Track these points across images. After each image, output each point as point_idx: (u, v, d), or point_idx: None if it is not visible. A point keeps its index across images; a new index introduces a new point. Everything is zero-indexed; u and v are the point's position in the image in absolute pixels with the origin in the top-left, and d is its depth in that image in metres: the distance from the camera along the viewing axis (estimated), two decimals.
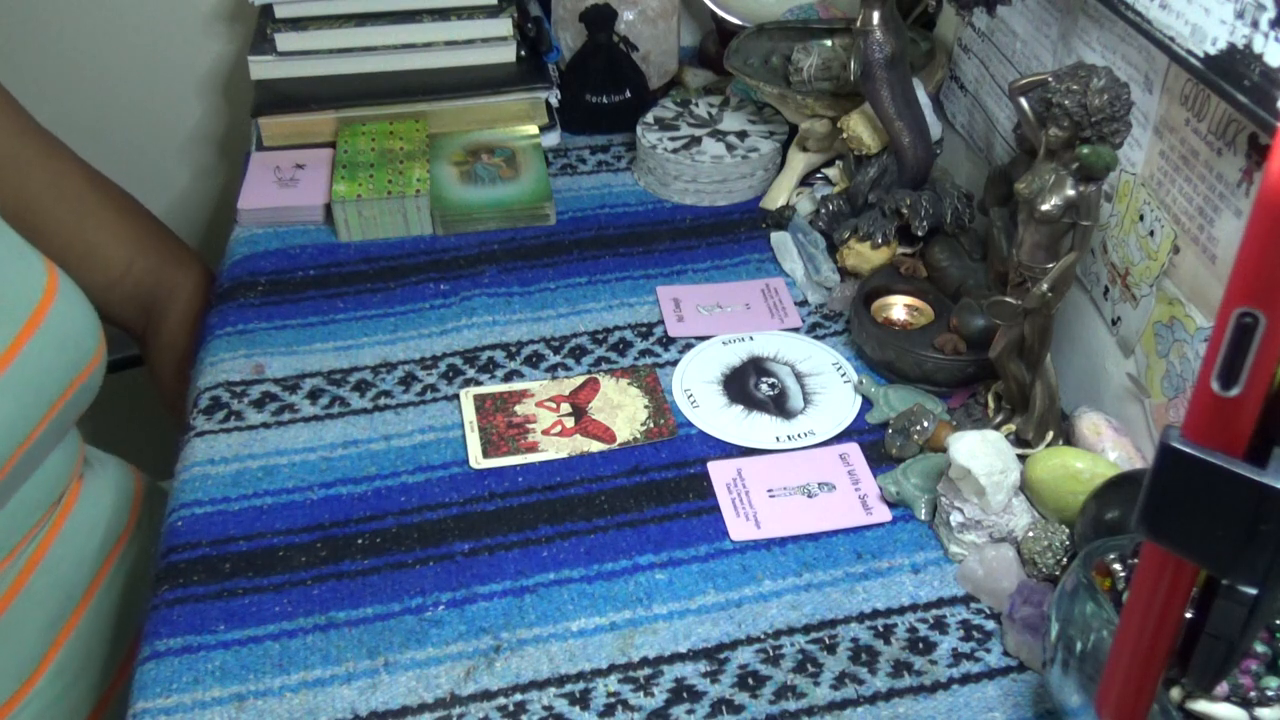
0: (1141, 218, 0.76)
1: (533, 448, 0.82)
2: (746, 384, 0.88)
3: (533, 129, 1.14)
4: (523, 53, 1.16)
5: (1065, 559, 0.70)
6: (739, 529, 0.76)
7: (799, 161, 1.08)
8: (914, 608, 0.71)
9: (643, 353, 0.92)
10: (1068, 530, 0.71)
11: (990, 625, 0.70)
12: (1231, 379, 0.36)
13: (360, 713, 0.65)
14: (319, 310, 0.95)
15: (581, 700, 0.66)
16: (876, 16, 0.90)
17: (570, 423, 0.84)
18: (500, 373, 0.89)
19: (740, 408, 0.86)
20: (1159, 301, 0.74)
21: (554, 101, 1.17)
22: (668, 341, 0.93)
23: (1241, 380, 0.36)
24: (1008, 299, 0.75)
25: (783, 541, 0.75)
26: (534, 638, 0.69)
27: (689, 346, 0.92)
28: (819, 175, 1.09)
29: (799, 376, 0.89)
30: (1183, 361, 0.72)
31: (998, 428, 0.81)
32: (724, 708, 0.65)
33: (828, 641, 0.69)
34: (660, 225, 1.06)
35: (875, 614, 0.71)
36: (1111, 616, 0.54)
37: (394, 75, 1.14)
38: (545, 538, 0.75)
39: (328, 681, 0.66)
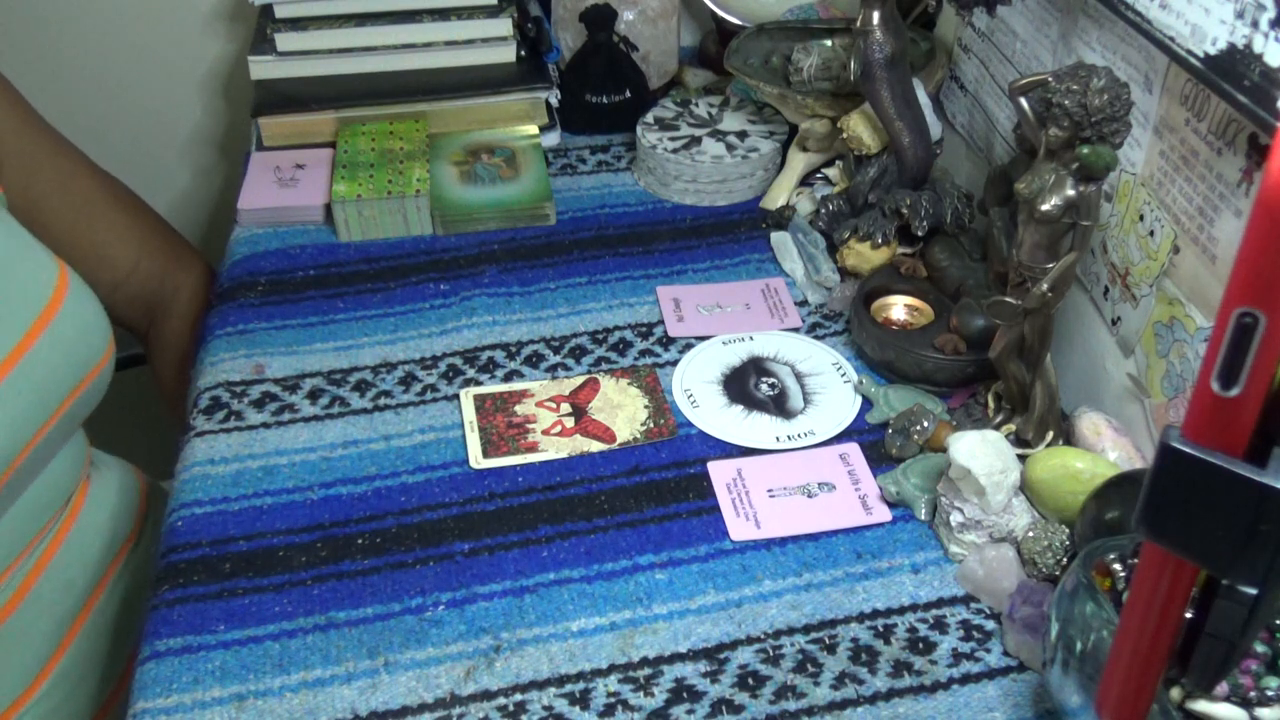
0: (1141, 218, 0.76)
1: (533, 448, 0.82)
2: (746, 384, 0.88)
3: (533, 129, 1.14)
4: (523, 53, 1.16)
5: (1065, 559, 0.70)
6: (739, 529, 0.76)
7: (799, 161, 1.08)
8: (914, 608, 0.71)
9: (643, 353, 0.92)
10: (1068, 530, 0.71)
11: (990, 625, 0.70)
12: (1231, 379, 0.36)
13: (360, 713, 0.65)
14: (319, 310, 0.95)
15: (581, 700, 0.66)
16: (876, 16, 0.90)
17: (570, 423, 0.84)
18: (500, 373, 0.89)
19: (740, 408, 0.86)
20: (1159, 301, 0.74)
21: (554, 101, 1.17)
22: (668, 341, 0.93)
23: (1241, 380, 0.36)
24: (1008, 299, 0.75)
25: (783, 541, 0.75)
26: (534, 638, 0.69)
27: (689, 346, 0.92)
28: (819, 175, 1.09)
29: (799, 376, 0.89)
30: (1183, 361, 0.72)
31: (998, 428, 0.81)
32: (724, 708, 0.65)
33: (828, 641, 0.69)
34: (660, 225, 1.06)
35: (875, 614, 0.71)
36: (1111, 616, 0.54)
37: (394, 75, 1.14)
38: (545, 538, 0.76)
39: (328, 681, 0.66)
